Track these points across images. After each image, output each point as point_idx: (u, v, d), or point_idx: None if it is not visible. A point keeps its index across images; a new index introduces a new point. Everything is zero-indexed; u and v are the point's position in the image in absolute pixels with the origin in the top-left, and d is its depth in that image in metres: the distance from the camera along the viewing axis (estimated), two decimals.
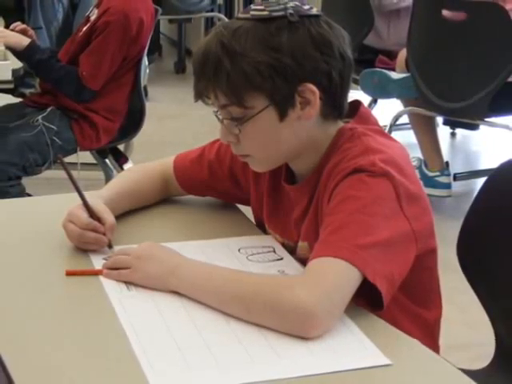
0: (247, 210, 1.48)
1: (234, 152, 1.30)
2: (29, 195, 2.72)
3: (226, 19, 5.17)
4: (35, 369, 1.03)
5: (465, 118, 3.26)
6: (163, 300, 1.18)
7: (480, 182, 2.02)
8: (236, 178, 1.44)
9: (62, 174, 1.42)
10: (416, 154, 3.40)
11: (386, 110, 3.66)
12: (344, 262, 1.12)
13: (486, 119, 3.18)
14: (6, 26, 3.04)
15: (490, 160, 3.85)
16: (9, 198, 2.50)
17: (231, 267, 1.23)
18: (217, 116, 1.27)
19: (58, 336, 1.10)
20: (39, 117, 2.75)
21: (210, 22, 5.79)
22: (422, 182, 2.60)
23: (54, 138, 2.75)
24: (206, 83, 1.23)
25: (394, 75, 3.33)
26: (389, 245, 1.16)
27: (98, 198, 1.38)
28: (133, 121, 2.98)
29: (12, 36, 2.79)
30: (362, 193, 1.18)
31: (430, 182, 3.28)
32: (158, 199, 1.51)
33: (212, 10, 5.57)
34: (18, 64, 2.71)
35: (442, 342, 1.35)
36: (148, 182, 1.49)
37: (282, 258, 1.31)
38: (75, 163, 2.78)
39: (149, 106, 3.08)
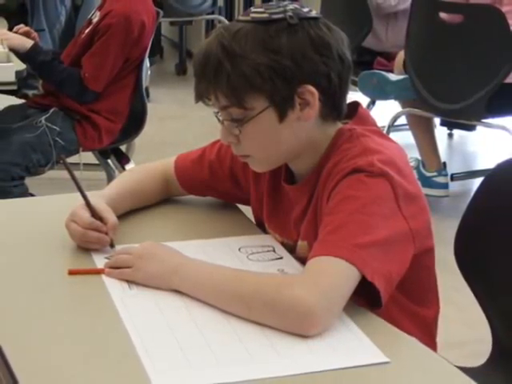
0: (247, 210, 1.49)
1: (234, 152, 1.31)
2: (32, 195, 2.73)
3: (227, 21, 5.18)
4: (38, 367, 1.03)
5: (462, 119, 3.27)
6: (164, 299, 1.19)
7: (477, 182, 2.03)
8: (236, 178, 1.45)
9: (64, 174, 1.43)
10: (414, 154, 3.42)
11: (385, 111, 3.68)
12: (343, 261, 1.13)
13: (483, 120, 3.19)
14: (10, 29, 3.06)
15: (487, 160, 3.87)
16: (12, 197, 2.51)
17: (232, 266, 1.23)
18: (217, 117, 1.28)
19: (61, 335, 1.11)
20: (42, 118, 2.76)
21: (210, 24, 5.81)
22: (419, 182, 2.61)
23: (57, 138, 2.76)
24: (206, 85, 1.24)
25: (392, 77, 3.34)
26: (387, 244, 1.17)
27: (100, 198, 1.39)
28: (134, 122, 2.99)
29: (15, 38, 2.81)
30: (360, 193, 1.19)
31: (427, 182, 3.29)
32: (159, 199, 1.52)
33: (213, 13, 5.58)
34: (21, 66, 2.72)
35: (439, 339, 1.36)
36: (149, 182, 1.50)
37: (281, 257, 1.32)
38: (78, 163, 2.79)
39: (150, 107, 3.09)
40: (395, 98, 3.47)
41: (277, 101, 1.22)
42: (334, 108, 1.27)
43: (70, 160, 2.72)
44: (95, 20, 2.82)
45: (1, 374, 1.04)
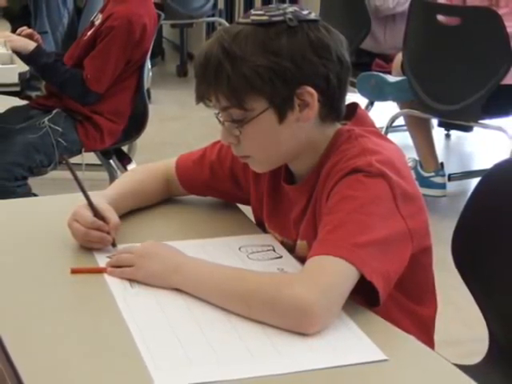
0: (247, 210, 1.49)
1: (234, 153, 1.32)
2: (35, 195, 2.74)
3: (227, 24, 5.20)
4: (42, 367, 1.04)
5: (459, 120, 3.28)
6: (166, 297, 1.19)
7: (474, 182, 2.04)
8: (236, 179, 1.46)
9: (66, 174, 1.44)
10: (412, 154, 3.44)
11: (383, 112, 3.70)
12: (342, 261, 1.13)
13: (480, 121, 3.20)
14: (13, 31, 3.08)
15: (484, 161, 3.88)
16: (15, 197, 2.51)
17: (232, 265, 1.24)
18: (218, 118, 1.29)
19: (63, 333, 1.12)
20: (45, 119, 2.78)
21: (211, 27, 5.82)
22: (417, 183, 2.63)
23: (60, 139, 2.77)
24: (207, 86, 1.25)
25: (391, 78, 3.35)
26: (385, 243, 1.17)
27: (102, 198, 1.39)
28: (136, 122, 3.01)
29: (18, 40, 2.83)
30: (359, 193, 1.19)
31: (425, 182, 3.31)
32: (160, 199, 1.53)
33: (213, 15, 5.60)
34: (24, 67, 2.73)
35: (437, 338, 1.36)
36: (151, 183, 1.51)
37: (281, 257, 1.33)
38: (80, 164, 2.80)
39: (151, 108, 3.10)
40: (393, 100, 3.48)
41: (276, 102, 1.23)
42: (333, 109, 1.28)
43: (73, 160, 2.74)
44: (97, 22, 2.83)
45: (6, 374, 1.05)
